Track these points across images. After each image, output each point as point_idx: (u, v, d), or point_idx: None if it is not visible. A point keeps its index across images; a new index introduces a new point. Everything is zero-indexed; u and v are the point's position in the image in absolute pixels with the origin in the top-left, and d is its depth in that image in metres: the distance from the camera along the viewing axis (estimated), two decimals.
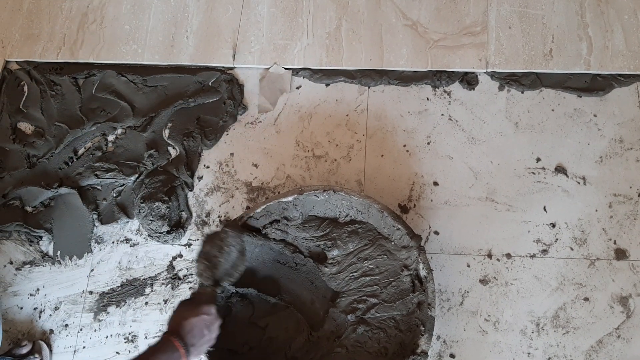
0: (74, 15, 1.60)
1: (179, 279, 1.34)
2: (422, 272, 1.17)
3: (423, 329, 1.14)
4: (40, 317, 1.35)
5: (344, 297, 1.24)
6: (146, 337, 1.30)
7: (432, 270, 1.17)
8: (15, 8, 1.63)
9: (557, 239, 1.28)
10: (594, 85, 1.39)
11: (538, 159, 1.34)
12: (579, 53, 1.40)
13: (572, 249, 1.27)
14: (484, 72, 1.43)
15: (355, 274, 1.25)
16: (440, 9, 1.48)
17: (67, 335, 1.32)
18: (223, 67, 1.51)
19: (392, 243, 1.24)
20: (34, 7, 1.62)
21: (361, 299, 1.23)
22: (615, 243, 1.27)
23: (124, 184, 1.42)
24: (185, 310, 1.03)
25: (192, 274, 1.33)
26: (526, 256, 1.28)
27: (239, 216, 1.26)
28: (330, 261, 1.26)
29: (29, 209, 1.43)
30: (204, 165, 1.43)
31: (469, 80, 1.42)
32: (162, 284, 1.34)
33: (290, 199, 1.25)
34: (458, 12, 1.48)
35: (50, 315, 1.35)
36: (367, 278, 1.24)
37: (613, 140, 1.34)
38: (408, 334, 1.18)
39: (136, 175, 1.42)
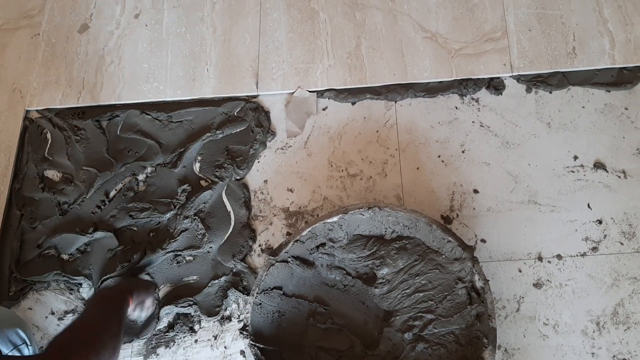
0: (91, 59, 1.59)
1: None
2: (479, 284, 1.16)
3: (486, 341, 1.11)
4: None
5: (398, 316, 1.22)
6: None
7: (488, 280, 1.16)
8: (30, 57, 1.62)
9: (605, 235, 1.27)
10: (621, 78, 1.39)
11: (575, 157, 1.34)
12: (602, 48, 1.41)
13: (622, 243, 1.26)
14: (510, 76, 1.43)
15: (407, 291, 1.23)
16: (458, 18, 1.49)
17: None
18: (247, 95, 1.50)
19: (443, 256, 1.22)
20: (49, 54, 1.62)
21: (416, 316, 1.21)
22: None
23: (159, 222, 1.40)
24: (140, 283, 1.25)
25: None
26: (577, 255, 1.26)
27: (285, 241, 1.24)
28: (380, 280, 1.24)
29: (65, 256, 1.40)
30: None
31: (495, 85, 1.42)
32: (210, 320, 1.31)
33: (335, 219, 1.23)
34: (476, 19, 1.48)
35: None
36: (421, 294, 1.22)
37: None
38: (469, 347, 1.16)
39: (171, 212, 1.40)
